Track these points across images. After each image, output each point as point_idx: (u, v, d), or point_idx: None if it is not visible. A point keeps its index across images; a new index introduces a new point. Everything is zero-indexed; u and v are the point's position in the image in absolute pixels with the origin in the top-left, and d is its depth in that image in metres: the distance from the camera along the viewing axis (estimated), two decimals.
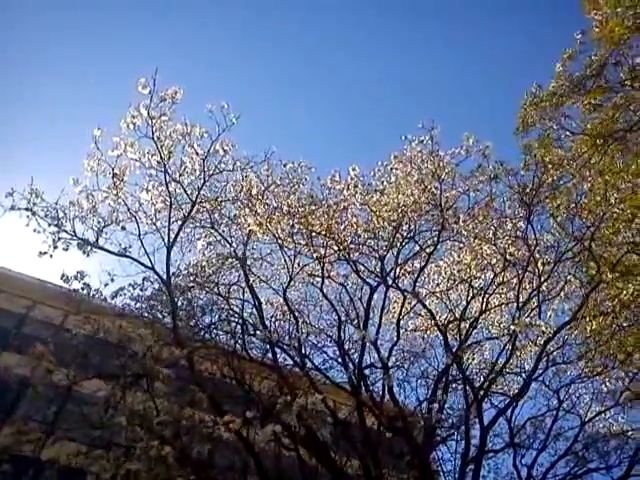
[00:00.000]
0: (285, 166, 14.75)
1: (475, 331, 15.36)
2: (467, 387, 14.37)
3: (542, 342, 13.40)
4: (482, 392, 14.17)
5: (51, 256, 12.79)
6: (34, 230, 12.71)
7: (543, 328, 12.91)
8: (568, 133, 12.64)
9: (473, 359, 16.08)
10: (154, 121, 12.76)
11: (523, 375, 14.87)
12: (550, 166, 13.28)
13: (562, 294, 14.71)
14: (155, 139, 12.92)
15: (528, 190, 13.67)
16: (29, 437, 12.15)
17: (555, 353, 14.37)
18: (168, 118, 12.93)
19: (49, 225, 12.78)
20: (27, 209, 12.55)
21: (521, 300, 14.16)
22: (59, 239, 12.86)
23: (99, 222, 13.08)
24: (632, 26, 10.06)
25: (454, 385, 15.21)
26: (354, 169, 14.83)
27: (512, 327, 13.00)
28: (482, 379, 14.91)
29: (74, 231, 12.93)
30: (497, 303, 15.49)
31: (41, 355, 12.46)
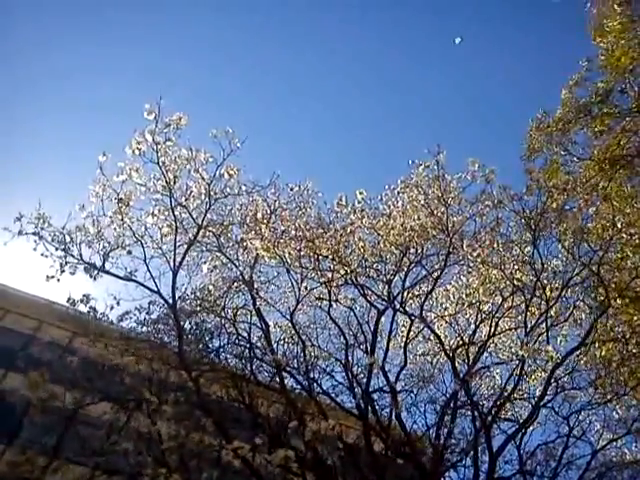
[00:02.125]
0: (292, 190, 14.78)
1: (484, 356, 15.27)
2: (475, 413, 14.24)
3: (550, 368, 13.25)
4: (490, 418, 14.01)
5: (58, 280, 12.85)
6: (41, 254, 12.81)
7: (552, 354, 12.78)
8: (575, 159, 12.60)
9: (481, 384, 15.91)
10: (159, 146, 12.86)
11: (532, 401, 14.67)
12: (555, 191, 13.23)
13: (571, 319, 14.57)
14: (160, 164, 13.03)
15: (533, 215, 13.63)
16: (32, 462, 12.11)
17: (564, 379, 14.21)
18: (173, 143, 13.04)
19: (56, 249, 12.86)
20: (35, 234, 12.64)
21: (529, 325, 14.05)
22: (66, 263, 12.93)
23: (105, 247, 13.14)
24: (638, 56, 10.05)
25: (462, 410, 15.03)
26: (361, 193, 14.84)
27: (520, 352, 12.88)
28: (491, 405, 14.71)
29: (81, 255, 13.00)
30: (505, 328, 15.34)
31: (41, 380, 12.49)
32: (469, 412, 14.74)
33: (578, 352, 13.83)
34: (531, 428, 14.54)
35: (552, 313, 14.32)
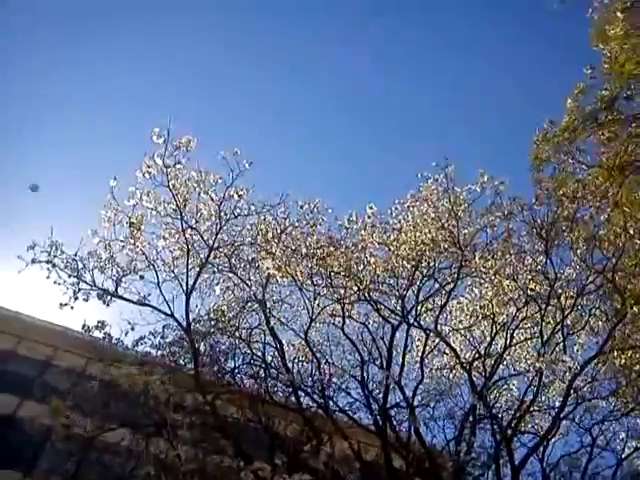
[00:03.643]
0: (301, 207, 14.79)
1: (500, 368, 15.13)
2: (495, 426, 14.10)
3: (569, 378, 13.12)
4: (511, 431, 13.86)
5: (72, 307, 12.91)
6: (55, 282, 12.89)
7: (569, 364, 12.66)
8: (584, 166, 12.54)
9: (500, 396, 15.74)
10: (169, 170, 12.95)
11: (552, 412, 14.50)
12: (565, 199, 13.18)
13: (587, 328, 14.43)
14: (170, 187, 13.12)
15: (544, 224, 13.57)
16: None
17: (584, 389, 14.04)
18: (183, 166, 13.13)
19: (69, 276, 12.95)
20: (48, 262, 12.73)
21: (545, 335, 13.94)
22: (79, 290, 13.01)
23: (118, 272, 13.23)
24: None
25: (482, 424, 14.88)
26: (371, 208, 14.85)
27: (537, 364, 12.77)
28: (510, 417, 14.55)
29: (93, 281, 13.10)
30: (521, 338, 15.22)
31: (59, 409, 12.49)
32: (488, 425, 14.61)
33: (596, 361, 13.71)
34: (553, 440, 14.34)
35: (568, 322, 14.23)
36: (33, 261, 12.51)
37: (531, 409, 14.38)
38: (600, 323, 14.46)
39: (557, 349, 14.00)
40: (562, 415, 13.58)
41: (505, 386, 15.79)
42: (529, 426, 15.42)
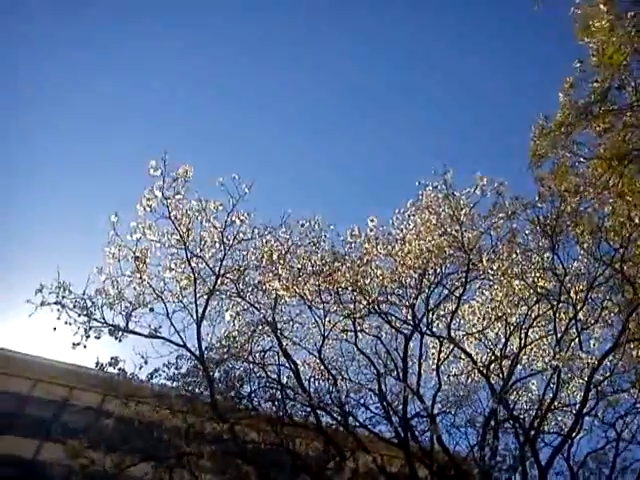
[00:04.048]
0: (302, 226, 14.80)
1: (517, 368, 15.02)
2: (517, 427, 13.98)
3: (587, 374, 13.00)
4: (534, 431, 13.72)
5: (85, 346, 12.92)
6: (65, 322, 12.90)
7: (587, 359, 12.56)
8: (582, 159, 12.51)
9: (520, 397, 15.62)
10: (169, 201, 13.03)
11: (574, 409, 14.36)
12: (567, 194, 13.15)
13: (601, 321, 14.33)
14: (172, 218, 13.18)
15: (548, 221, 13.54)
16: None
17: (604, 383, 13.90)
18: (182, 196, 13.20)
19: (79, 315, 12.97)
20: (57, 303, 12.76)
21: (559, 332, 13.85)
22: (90, 328, 13.01)
23: (127, 307, 13.24)
24: (630, 50, 10.06)
25: (504, 426, 14.74)
26: (372, 220, 14.86)
27: (554, 362, 12.68)
28: (532, 417, 14.41)
29: (104, 318, 13.12)
30: (536, 337, 15.13)
31: (80, 447, 12.46)
32: (511, 427, 14.47)
33: (613, 354, 13.56)
34: (578, 437, 14.17)
35: (581, 317, 14.12)
36: (42, 304, 12.55)
37: (552, 408, 14.24)
38: (613, 315, 14.38)
39: (572, 345, 13.91)
40: (584, 412, 13.42)
41: (524, 387, 15.67)
42: (552, 425, 15.28)
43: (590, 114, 11.44)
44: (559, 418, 15.38)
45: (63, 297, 12.77)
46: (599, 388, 13.74)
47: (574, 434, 13.61)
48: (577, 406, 13.85)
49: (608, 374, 13.96)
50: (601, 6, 10.26)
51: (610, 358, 13.63)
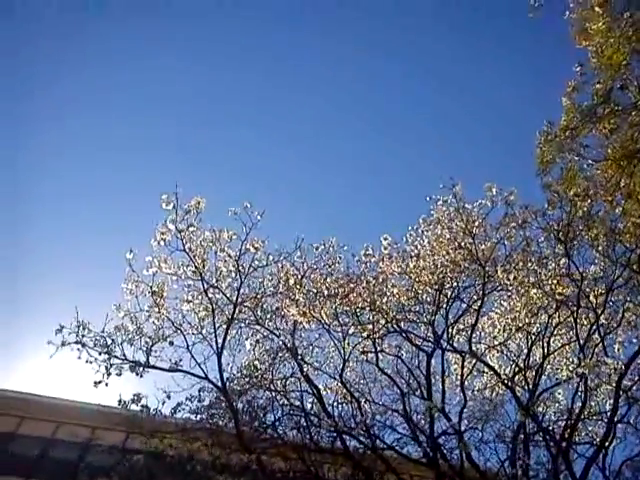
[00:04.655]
0: (316, 249, 14.85)
1: (543, 378, 14.83)
2: (548, 439, 13.73)
3: (616, 379, 12.80)
4: (565, 443, 13.47)
5: (107, 384, 12.91)
6: (86, 361, 12.93)
7: (614, 365, 12.38)
8: (590, 162, 12.53)
9: (547, 408, 15.38)
10: (183, 234, 13.14)
11: (605, 418, 14.10)
12: (577, 199, 13.14)
13: (623, 324, 14.16)
14: (187, 250, 13.28)
15: (561, 227, 13.52)
16: None
17: (634, 388, 13.66)
18: (196, 227, 13.31)
19: (100, 354, 12.99)
20: (77, 342, 12.80)
21: (582, 338, 13.71)
22: (111, 365, 13.02)
23: (147, 342, 13.25)
24: (629, 50, 10.16)
25: (535, 439, 14.49)
26: (385, 239, 14.89)
27: (580, 370, 12.51)
28: (562, 428, 14.16)
29: (124, 355, 13.11)
30: (558, 345, 14.96)
31: None
32: (541, 440, 14.22)
33: None
34: (612, 446, 13.85)
35: (603, 321, 13.97)
36: (63, 344, 12.59)
37: (582, 417, 13.98)
38: (636, 317, 14.22)
39: (597, 350, 13.74)
40: (616, 419, 13.17)
41: (551, 397, 15.43)
42: (583, 435, 14.99)
43: (595, 116, 11.52)
44: (590, 427, 15.09)
45: (83, 336, 12.81)
46: (629, 393, 13.51)
47: (607, 443, 13.31)
48: (608, 414, 13.63)
49: (637, 378, 13.72)
50: (596, 8, 10.40)
51: (638, 361, 13.44)
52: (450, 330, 14.59)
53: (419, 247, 14.54)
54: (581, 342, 13.69)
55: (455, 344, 14.86)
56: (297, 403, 14.76)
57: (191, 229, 13.27)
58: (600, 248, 13.86)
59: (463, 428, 14.16)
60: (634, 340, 14.27)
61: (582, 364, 12.87)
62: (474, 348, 14.60)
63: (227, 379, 13.83)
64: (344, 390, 14.76)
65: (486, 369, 15.10)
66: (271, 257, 14.15)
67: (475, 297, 14.52)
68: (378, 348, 14.79)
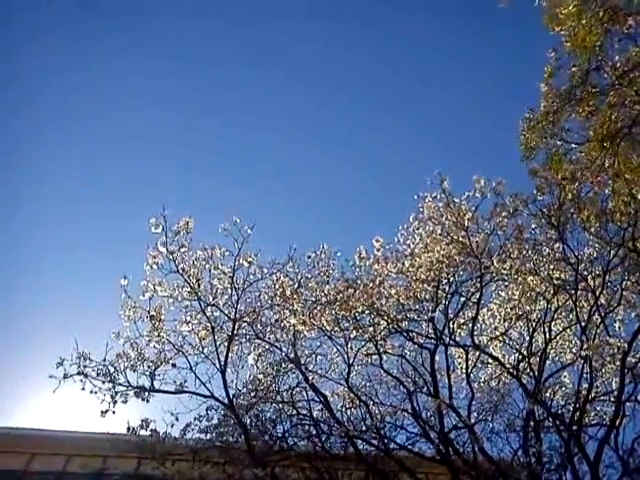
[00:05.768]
0: (309, 257, 14.82)
1: (547, 363, 14.85)
2: (558, 424, 13.74)
3: (620, 358, 12.82)
4: (576, 426, 13.49)
5: (114, 412, 12.87)
6: (90, 392, 12.87)
7: (616, 344, 12.41)
8: (574, 145, 12.53)
9: (555, 393, 15.39)
10: (174, 255, 13.10)
11: (612, 398, 14.13)
12: (565, 182, 13.16)
13: (623, 302, 14.18)
14: (181, 271, 13.25)
15: (552, 212, 13.54)
16: None
17: (639, 366, 13.70)
18: (187, 248, 13.28)
19: (103, 383, 12.94)
20: (79, 373, 12.74)
21: (582, 320, 13.73)
22: (116, 393, 12.98)
23: (149, 366, 13.22)
24: (601, 31, 10.18)
25: (545, 425, 14.50)
26: (377, 241, 14.87)
27: (583, 352, 12.53)
28: (571, 412, 14.17)
29: (128, 382, 13.10)
30: (560, 330, 15.00)
31: None
32: (552, 425, 14.23)
33: None
34: (623, 425, 13.86)
35: (602, 301, 14.01)
36: (65, 377, 12.53)
37: (590, 399, 13.99)
38: (634, 295, 14.26)
39: (598, 331, 13.78)
40: (623, 398, 13.19)
41: (557, 382, 15.45)
42: (592, 415, 15.01)
43: (574, 98, 11.51)
44: (598, 408, 15.12)
45: (85, 367, 12.76)
46: (634, 371, 13.54)
47: (617, 422, 13.33)
48: (615, 393, 13.65)
49: None
50: None
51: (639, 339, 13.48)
52: (451, 325, 14.58)
53: (412, 246, 14.52)
54: (582, 324, 13.74)
55: (457, 338, 14.88)
56: (305, 412, 14.71)
57: (183, 250, 13.24)
58: (593, 230, 13.89)
59: (473, 421, 14.18)
60: (634, 318, 14.30)
61: (585, 346, 12.90)
62: (476, 340, 14.60)
63: (233, 395, 13.79)
64: (351, 395, 14.74)
65: (490, 360, 15.14)
66: (265, 270, 14.13)
67: (473, 290, 14.53)
68: (381, 350, 14.78)
